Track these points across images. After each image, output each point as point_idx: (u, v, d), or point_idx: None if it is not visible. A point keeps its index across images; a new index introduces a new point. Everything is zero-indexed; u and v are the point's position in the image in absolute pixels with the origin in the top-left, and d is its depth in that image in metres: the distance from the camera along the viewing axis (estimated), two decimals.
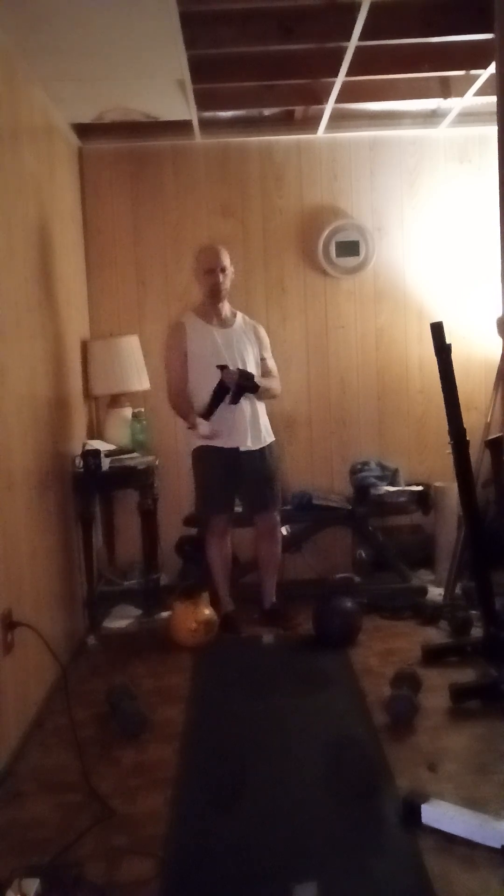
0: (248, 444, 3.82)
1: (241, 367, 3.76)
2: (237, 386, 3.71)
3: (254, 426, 3.83)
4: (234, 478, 3.84)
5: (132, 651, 3.76)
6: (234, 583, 4.13)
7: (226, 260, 3.83)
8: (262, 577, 4.08)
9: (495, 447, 3.44)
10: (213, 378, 3.73)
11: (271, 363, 4.00)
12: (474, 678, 3.21)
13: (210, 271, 3.80)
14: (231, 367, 3.72)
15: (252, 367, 3.84)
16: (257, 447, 3.85)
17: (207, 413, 3.74)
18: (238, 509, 3.98)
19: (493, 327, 4.00)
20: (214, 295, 3.83)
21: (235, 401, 3.73)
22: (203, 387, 3.78)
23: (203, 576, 4.10)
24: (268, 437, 3.93)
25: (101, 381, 4.23)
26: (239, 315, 3.97)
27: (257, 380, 3.80)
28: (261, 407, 3.91)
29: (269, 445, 3.93)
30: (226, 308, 3.91)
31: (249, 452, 3.83)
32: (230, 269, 3.85)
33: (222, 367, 3.72)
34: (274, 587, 4.07)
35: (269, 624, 3.99)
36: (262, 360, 3.96)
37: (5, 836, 2.32)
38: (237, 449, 3.80)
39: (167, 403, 3.88)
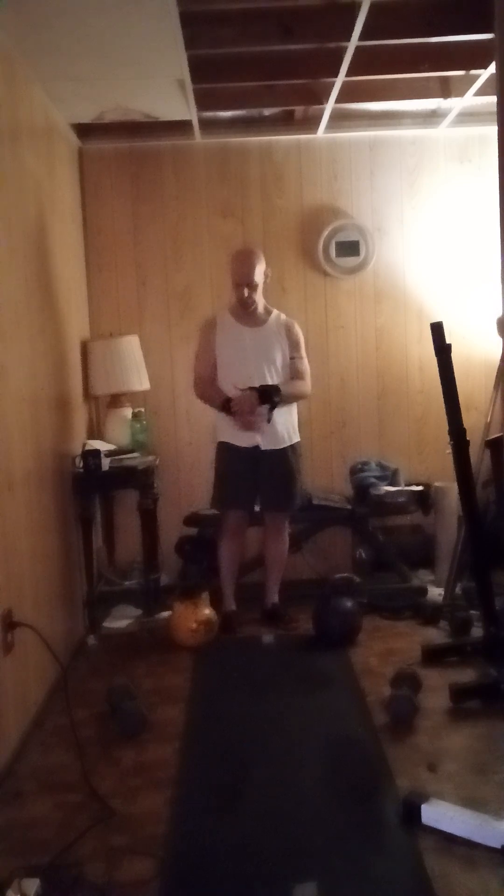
0: (264, 447, 3.80)
1: (261, 385, 3.71)
2: (260, 395, 3.69)
3: (271, 430, 3.78)
4: (253, 475, 3.82)
5: (132, 651, 3.77)
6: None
7: (256, 274, 3.75)
8: (266, 575, 4.09)
9: (495, 447, 3.44)
10: (240, 376, 3.73)
11: (301, 364, 3.90)
12: (474, 678, 3.21)
13: (237, 285, 3.80)
14: (254, 384, 3.69)
15: (279, 368, 3.81)
16: (277, 447, 3.83)
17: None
18: (256, 508, 3.93)
19: (493, 327, 4.00)
20: (242, 306, 3.83)
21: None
22: (229, 384, 3.77)
23: (209, 572, 4.10)
24: (291, 438, 3.89)
25: (101, 381, 4.23)
26: (274, 313, 3.92)
27: (281, 386, 3.77)
28: (283, 410, 3.83)
29: (293, 446, 3.90)
30: (259, 307, 3.88)
31: (270, 451, 3.81)
32: (261, 283, 3.79)
33: (242, 390, 3.69)
34: (277, 587, 4.07)
35: (269, 624, 3.99)
36: (293, 359, 3.88)
37: (5, 836, 2.32)
38: (257, 447, 3.80)
39: (167, 403, 3.87)
